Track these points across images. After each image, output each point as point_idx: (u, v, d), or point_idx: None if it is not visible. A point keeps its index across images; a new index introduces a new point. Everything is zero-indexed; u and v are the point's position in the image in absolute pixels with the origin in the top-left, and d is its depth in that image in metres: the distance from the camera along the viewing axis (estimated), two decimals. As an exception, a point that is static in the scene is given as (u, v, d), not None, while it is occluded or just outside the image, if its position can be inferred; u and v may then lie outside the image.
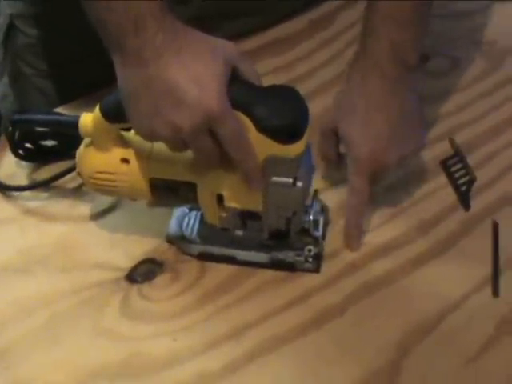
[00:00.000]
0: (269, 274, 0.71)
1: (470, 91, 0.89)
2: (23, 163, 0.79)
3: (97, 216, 0.76)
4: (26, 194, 0.77)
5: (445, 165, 0.80)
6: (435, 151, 0.82)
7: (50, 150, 0.80)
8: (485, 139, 0.83)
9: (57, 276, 0.71)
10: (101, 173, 0.69)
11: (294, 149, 0.62)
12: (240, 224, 0.70)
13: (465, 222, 0.75)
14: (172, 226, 0.73)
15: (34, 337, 0.67)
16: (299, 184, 0.64)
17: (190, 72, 0.59)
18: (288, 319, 0.68)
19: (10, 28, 0.90)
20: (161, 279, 0.70)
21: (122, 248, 0.73)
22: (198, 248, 0.72)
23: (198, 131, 0.60)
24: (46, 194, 0.77)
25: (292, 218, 0.68)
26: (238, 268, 0.71)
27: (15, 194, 0.77)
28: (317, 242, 0.71)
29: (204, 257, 0.72)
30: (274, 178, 0.64)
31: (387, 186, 0.78)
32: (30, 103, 0.93)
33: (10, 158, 0.79)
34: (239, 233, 0.70)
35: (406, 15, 0.72)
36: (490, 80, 0.91)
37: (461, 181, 0.78)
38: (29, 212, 0.76)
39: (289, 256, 0.70)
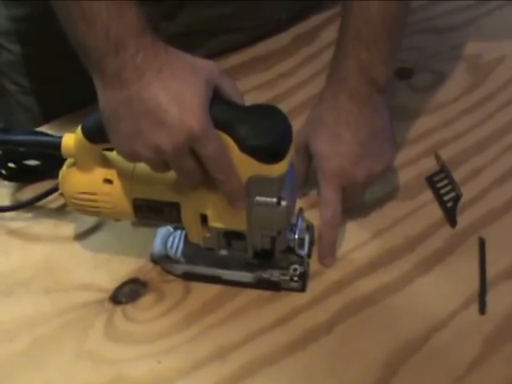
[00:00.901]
0: (254, 293, 0.70)
1: (455, 106, 0.89)
2: (6, 183, 0.79)
3: (80, 236, 0.75)
4: (9, 214, 0.76)
5: (431, 181, 0.80)
6: (421, 167, 0.82)
7: (33, 169, 0.79)
8: (470, 155, 0.83)
9: (40, 298, 0.70)
10: (83, 193, 0.68)
11: (278, 168, 0.61)
12: (224, 244, 0.69)
13: (451, 238, 0.75)
14: (156, 246, 0.72)
15: (17, 360, 0.66)
16: (283, 203, 0.64)
17: (171, 91, 0.58)
18: (274, 339, 0.67)
19: None
20: (145, 300, 0.70)
21: (106, 268, 0.72)
22: (182, 268, 0.71)
23: (180, 152, 0.59)
24: (29, 215, 0.77)
25: (277, 237, 0.68)
26: (222, 287, 0.70)
27: (-3, 214, 0.76)
28: (302, 260, 0.70)
29: (189, 276, 0.71)
30: (258, 198, 0.63)
31: (373, 201, 0.77)
32: (14, 120, 0.93)
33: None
34: (224, 252, 0.70)
35: (375, 34, 0.72)
36: (475, 95, 0.91)
37: (447, 197, 0.78)
38: (12, 233, 0.75)
39: (274, 275, 0.70)
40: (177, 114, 0.57)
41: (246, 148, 0.60)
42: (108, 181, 0.67)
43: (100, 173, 0.67)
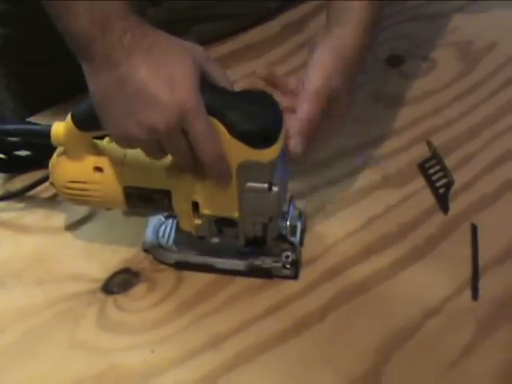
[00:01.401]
0: (247, 281, 0.70)
1: (446, 93, 0.89)
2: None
3: (71, 227, 0.74)
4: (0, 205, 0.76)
5: (423, 167, 0.80)
6: (412, 154, 0.81)
7: (23, 160, 0.79)
8: (462, 141, 0.83)
9: (31, 289, 0.69)
10: (74, 182, 0.68)
11: (269, 153, 0.61)
12: (216, 231, 0.69)
13: (443, 224, 0.75)
14: (148, 235, 0.72)
15: (9, 351, 0.65)
16: (275, 189, 0.63)
17: (161, 70, 0.58)
18: (267, 327, 0.67)
19: None
20: (137, 289, 0.69)
21: (98, 259, 0.72)
22: (174, 257, 0.71)
23: (174, 130, 0.59)
24: (19, 205, 0.76)
25: (268, 224, 0.67)
26: (215, 276, 0.70)
27: (-12, 205, 0.76)
28: (294, 248, 0.70)
29: (181, 265, 0.71)
30: (249, 184, 0.63)
31: (364, 188, 0.77)
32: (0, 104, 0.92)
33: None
34: (215, 240, 0.70)
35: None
36: (467, 81, 0.90)
37: (439, 183, 0.78)
38: (2, 224, 0.75)
39: (266, 263, 0.70)
40: (168, 92, 0.58)
41: (236, 133, 0.59)
42: (98, 169, 0.67)
43: (90, 161, 0.67)
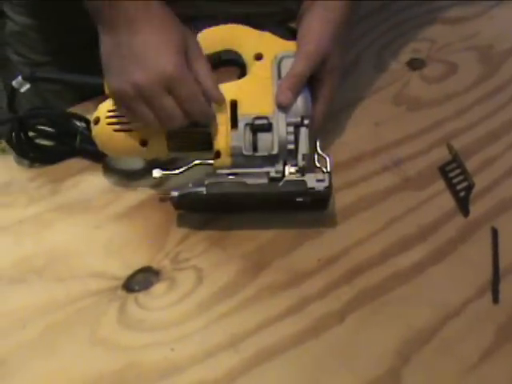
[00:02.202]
0: (266, 281, 0.70)
1: (467, 96, 0.89)
2: (16, 171, 0.79)
3: (94, 224, 0.75)
4: (21, 202, 0.76)
5: (443, 171, 0.80)
6: (433, 157, 0.81)
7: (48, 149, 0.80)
8: (483, 144, 0.83)
9: (53, 285, 0.70)
10: (117, 110, 0.72)
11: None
12: (251, 141, 0.72)
13: (464, 228, 0.75)
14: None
15: (30, 347, 0.66)
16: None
17: (153, 39, 0.69)
18: (286, 327, 0.67)
19: (0, 15, 0.91)
20: (158, 288, 0.70)
21: (119, 257, 0.72)
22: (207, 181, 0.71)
23: (155, 89, 0.68)
24: (41, 203, 0.76)
25: (300, 128, 0.72)
26: (235, 275, 0.70)
27: (9, 202, 0.76)
28: (328, 174, 0.71)
29: (208, 199, 0.71)
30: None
31: (384, 191, 0.77)
32: (19, 95, 0.93)
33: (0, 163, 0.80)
34: (249, 153, 0.72)
35: None
36: (487, 85, 0.90)
37: (459, 186, 0.78)
38: (24, 220, 0.75)
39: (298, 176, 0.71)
40: (154, 57, 0.68)
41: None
42: None
43: None
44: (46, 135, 0.80)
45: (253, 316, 0.68)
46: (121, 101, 0.71)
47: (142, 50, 0.68)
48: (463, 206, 0.76)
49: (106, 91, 0.73)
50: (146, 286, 0.70)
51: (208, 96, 0.71)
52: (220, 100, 0.72)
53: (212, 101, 0.72)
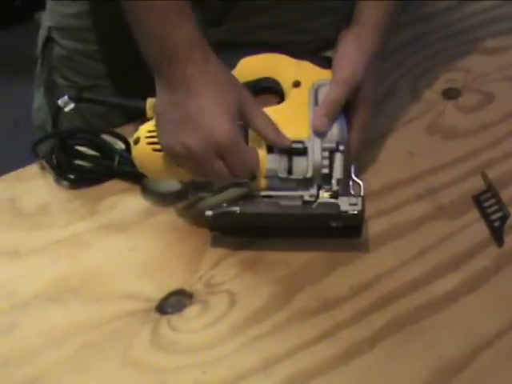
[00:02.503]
0: (298, 306, 0.70)
1: (503, 126, 0.89)
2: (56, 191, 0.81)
3: (129, 246, 0.76)
4: (59, 222, 0.78)
5: (477, 200, 0.80)
6: (467, 186, 0.81)
7: (88, 175, 0.82)
8: (518, 175, 0.83)
9: (88, 305, 0.71)
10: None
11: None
12: (286, 164, 0.73)
13: (498, 257, 0.75)
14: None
15: (65, 366, 0.67)
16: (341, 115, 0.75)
17: (211, 104, 0.69)
18: (317, 353, 0.67)
19: (48, 40, 0.94)
20: (190, 311, 0.71)
21: (153, 279, 0.73)
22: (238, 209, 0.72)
23: (207, 155, 0.69)
24: (78, 224, 0.78)
25: (335, 153, 0.73)
26: (267, 300, 0.71)
27: (47, 222, 0.78)
28: (361, 198, 0.71)
29: (242, 219, 0.72)
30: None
31: (416, 219, 0.77)
32: (62, 116, 0.95)
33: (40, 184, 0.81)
34: (284, 175, 0.73)
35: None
36: (523, 115, 0.90)
37: (494, 216, 0.77)
38: (61, 241, 0.77)
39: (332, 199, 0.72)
40: (210, 124, 0.68)
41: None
42: None
43: None
44: (85, 157, 0.81)
45: (284, 341, 0.68)
46: (172, 156, 0.72)
47: (197, 115, 0.68)
48: (497, 235, 0.76)
49: (148, 114, 0.75)
50: (179, 308, 0.71)
51: (275, 145, 0.73)
52: (287, 145, 0.73)
53: (279, 147, 0.73)
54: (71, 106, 0.79)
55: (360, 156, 0.80)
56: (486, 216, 0.78)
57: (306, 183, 0.73)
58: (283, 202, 0.72)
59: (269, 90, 0.82)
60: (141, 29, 0.70)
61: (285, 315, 0.70)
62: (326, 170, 0.73)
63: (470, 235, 0.77)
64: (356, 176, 0.75)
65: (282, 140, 0.73)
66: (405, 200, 0.80)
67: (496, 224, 0.77)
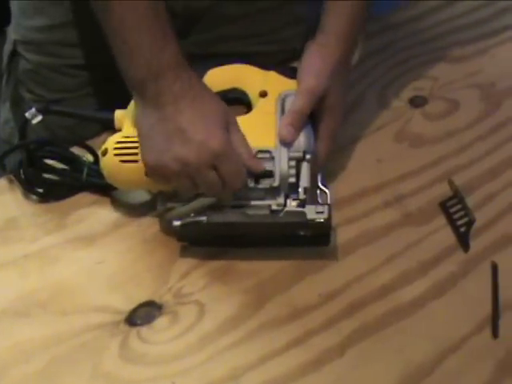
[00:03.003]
0: (268, 315, 0.71)
1: (469, 133, 0.90)
2: (24, 205, 0.80)
3: (97, 259, 0.76)
4: (27, 237, 0.78)
5: (444, 206, 0.81)
6: (434, 193, 0.82)
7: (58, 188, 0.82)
8: (484, 181, 0.84)
9: (56, 319, 0.71)
10: (126, 137, 0.74)
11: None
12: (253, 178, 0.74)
13: (464, 263, 0.75)
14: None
15: (34, 380, 0.66)
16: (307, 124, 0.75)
17: (201, 117, 0.70)
18: (287, 361, 0.67)
19: (14, 53, 0.94)
20: (160, 322, 0.70)
21: (122, 291, 0.73)
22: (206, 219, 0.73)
23: (203, 166, 0.70)
24: (46, 238, 0.78)
25: (302, 162, 0.73)
26: (237, 309, 0.71)
27: (16, 236, 0.78)
28: (328, 207, 0.72)
29: (209, 229, 0.73)
30: None
31: (384, 226, 0.78)
32: (30, 129, 0.95)
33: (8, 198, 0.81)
34: (251, 184, 0.73)
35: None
36: (489, 122, 0.92)
37: (460, 222, 0.78)
38: (29, 255, 0.76)
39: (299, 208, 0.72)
40: (203, 134, 0.70)
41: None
42: None
43: None
44: (53, 170, 0.81)
45: (254, 350, 0.68)
46: (159, 175, 0.72)
47: (189, 127, 0.70)
48: (464, 241, 0.77)
49: (116, 126, 0.76)
50: (148, 320, 0.71)
51: (247, 167, 0.73)
52: (260, 170, 0.74)
53: (252, 171, 0.73)
54: (39, 118, 0.78)
55: (329, 164, 0.80)
56: (452, 222, 0.79)
57: (273, 192, 0.73)
58: (251, 212, 0.73)
59: (236, 100, 0.82)
60: (127, 51, 0.71)
61: (254, 324, 0.70)
62: (292, 179, 0.74)
63: (437, 241, 0.77)
64: (323, 184, 0.76)
65: (256, 164, 0.73)
66: (373, 207, 0.81)
67: (462, 229, 0.77)
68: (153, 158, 0.71)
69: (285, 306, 0.72)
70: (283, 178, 0.73)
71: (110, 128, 0.77)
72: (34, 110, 0.79)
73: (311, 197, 0.74)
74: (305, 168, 0.74)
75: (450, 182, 0.83)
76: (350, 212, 0.80)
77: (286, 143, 0.75)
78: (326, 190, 0.75)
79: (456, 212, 0.79)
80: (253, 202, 0.73)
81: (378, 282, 0.73)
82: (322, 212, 0.71)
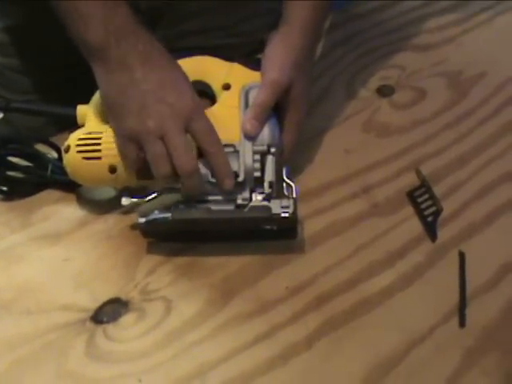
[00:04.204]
0: (234, 310, 0.70)
1: (436, 122, 0.90)
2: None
3: (62, 257, 0.75)
4: (-9, 236, 0.77)
5: (411, 196, 0.80)
6: (402, 183, 0.82)
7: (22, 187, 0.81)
8: (451, 169, 0.84)
9: (21, 319, 0.70)
10: (89, 134, 0.74)
11: None
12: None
13: (432, 252, 0.75)
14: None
15: (-3, 382, 0.66)
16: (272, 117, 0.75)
17: (170, 76, 0.71)
18: (254, 355, 0.67)
19: None
20: (126, 319, 0.70)
21: (88, 289, 0.72)
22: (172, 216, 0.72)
23: (177, 124, 0.69)
24: (11, 237, 0.77)
25: (266, 157, 0.73)
26: (203, 305, 0.71)
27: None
28: (293, 201, 0.71)
29: (174, 225, 0.72)
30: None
31: (352, 217, 0.78)
32: None
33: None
34: (214, 179, 0.72)
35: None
36: (456, 110, 0.92)
37: (427, 212, 0.78)
38: (-6, 255, 0.75)
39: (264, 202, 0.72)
40: (176, 93, 0.70)
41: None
42: None
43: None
44: (17, 168, 0.80)
45: (221, 345, 0.68)
46: (135, 139, 0.70)
47: (162, 86, 0.70)
48: (431, 230, 0.77)
49: (79, 122, 0.75)
50: (114, 317, 0.70)
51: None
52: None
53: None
54: (0, 115, 0.77)
55: (295, 156, 0.80)
56: (419, 212, 0.79)
57: (238, 187, 0.73)
58: (216, 207, 0.72)
59: (200, 93, 0.81)
60: (81, 17, 0.70)
61: (221, 319, 0.70)
62: (257, 173, 0.73)
63: (404, 231, 0.77)
64: (289, 178, 0.75)
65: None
66: (341, 198, 0.81)
67: (429, 219, 0.77)
68: (130, 124, 0.70)
69: (252, 300, 0.71)
70: (248, 173, 0.73)
71: (73, 125, 0.76)
72: None
73: (277, 191, 0.73)
74: (270, 162, 0.73)
75: (418, 172, 0.83)
76: (318, 204, 0.80)
77: (250, 137, 0.74)
78: (292, 184, 0.74)
79: (423, 201, 0.79)
80: (218, 197, 0.73)
81: (346, 274, 0.73)
82: (287, 206, 0.71)
